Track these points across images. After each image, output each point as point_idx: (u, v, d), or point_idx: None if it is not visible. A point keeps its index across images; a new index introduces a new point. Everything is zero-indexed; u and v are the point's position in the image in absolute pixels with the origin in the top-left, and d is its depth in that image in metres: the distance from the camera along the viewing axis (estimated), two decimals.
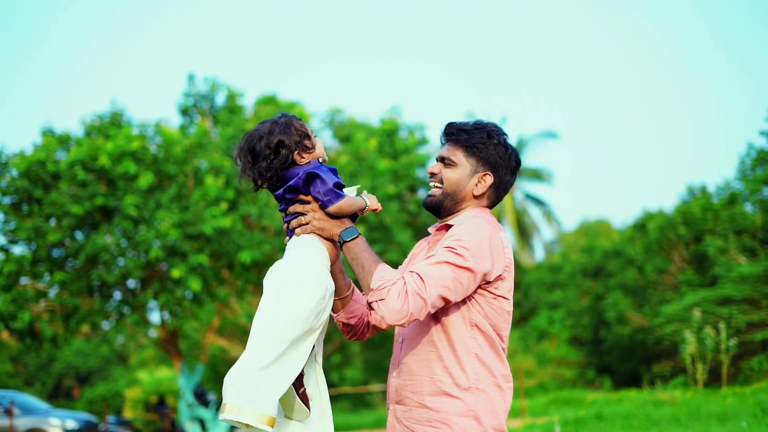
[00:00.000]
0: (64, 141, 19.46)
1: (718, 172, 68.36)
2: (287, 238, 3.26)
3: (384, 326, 3.07)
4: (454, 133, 3.36)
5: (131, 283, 19.57)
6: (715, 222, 26.63)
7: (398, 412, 3.29)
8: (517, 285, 43.21)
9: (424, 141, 22.63)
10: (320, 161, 3.24)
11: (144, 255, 18.18)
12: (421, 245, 3.53)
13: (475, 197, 3.35)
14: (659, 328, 24.67)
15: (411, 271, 3.04)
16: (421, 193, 21.64)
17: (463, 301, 3.19)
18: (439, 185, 3.37)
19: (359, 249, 3.13)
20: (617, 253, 33.31)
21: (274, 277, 3.06)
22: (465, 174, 3.33)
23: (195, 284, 17.80)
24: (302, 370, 3.10)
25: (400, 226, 20.81)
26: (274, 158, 3.16)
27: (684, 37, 74.81)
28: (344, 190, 3.22)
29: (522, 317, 41.20)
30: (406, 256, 16.15)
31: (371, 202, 3.28)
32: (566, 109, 79.00)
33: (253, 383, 2.90)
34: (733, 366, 19.97)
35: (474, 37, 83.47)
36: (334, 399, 40.15)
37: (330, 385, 41.34)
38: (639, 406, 15.61)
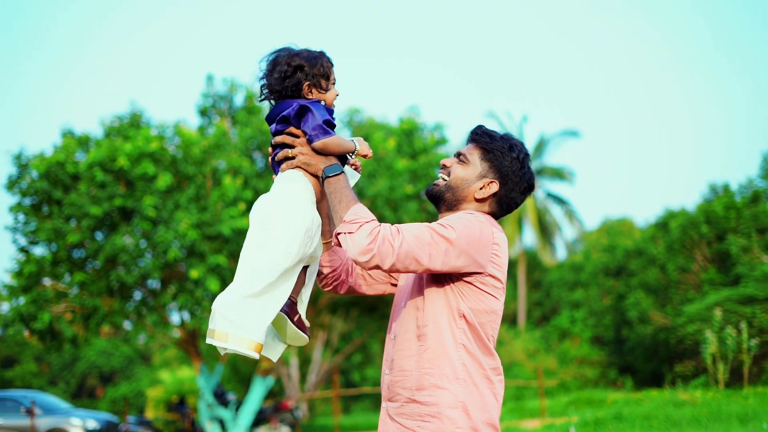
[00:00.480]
0: (83, 142, 19.55)
1: (741, 170, 67.98)
2: (274, 175, 3.28)
3: (353, 255, 3.01)
4: (479, 134, 3.38)
5: (151, 283, 19.62)
6: (738, 220, 26.46)
7: (390, 409, 3.26)
8: (539, 284, 43.13)
9: (443, 141, 22.54)
10: (323, 104, 3.23)
11: (163, 256, 18.21)
12: None
13: (477, 200, 3.33)
14: (681, 328, 24.51)
15: (392, 225, 3.04)
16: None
17: (450, 293, 3.17)
18: (445, 177, 3.38)
19: (340, 185, 3.13)
20: (639, 252, 33.14)
21: (260, 210, 3.11)
22: (474, 174, 3.33)
23: (213, 285, 17.82)
24: (295, 299, 3.19)
25: None
26: (287, 78, 3.19)
27: (707, 34, 74.34)
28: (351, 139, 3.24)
29: (544, 316, 41.10)
30: None
31: (361, 147, 3.28)
32: (587, 107, 78.70)
33: (242, 311, 2.96)
34: (755, 366, 19.80)
35: (494, 36, 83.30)
36: (355, 399, 40.16)
37: (351, 384, 41.38)
38: (659, 407, 15.49)
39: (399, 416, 3.21)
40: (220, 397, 21.54)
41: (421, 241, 3.01)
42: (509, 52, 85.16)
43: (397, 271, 3.03)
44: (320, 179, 3.16)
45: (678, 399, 16.06)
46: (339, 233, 3.03)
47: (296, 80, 3.18)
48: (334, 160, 3.18)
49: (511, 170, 3.32)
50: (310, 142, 3.14)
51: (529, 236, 41.95)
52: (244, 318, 2.96)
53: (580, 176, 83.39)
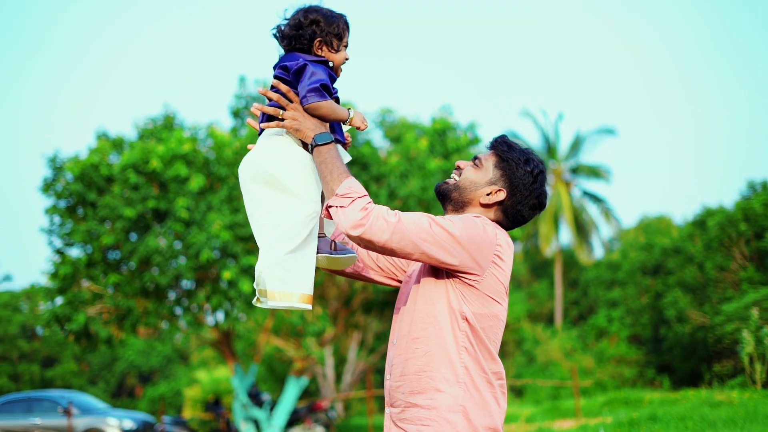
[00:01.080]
0: (117, 145, 19.72)
1: None
2: (256, 123, 3.23)
3: (343, 228, 2.97)
4: (498, 143, 3.37)
5: (185, 284, 19.75)
6: None
7: (393, 415, 3.23)
8: (576, 283, 42.88)
9: (476, 140, 22.46)
10: (330, 65, 3.20)
11: (195, 257, 18.32)
12: None
13: (482, 205, 3.31)
14: (719, 327, 24.26)
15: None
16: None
17: (452, 294, 3.13)
18: (456, 177, 3.36)
19: (331, 155, 3.07)
20: (677, 250, 32.84)
21: (261, 171, 3.09)
22: (484, 179, 3.31)
23: (246, 286, 17.90)
24: (323, 233, 3.20)
25: None
26: (301, 28, 3.17)
27: (745, 29, 73.53)
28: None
29: (580, 315, 40.86)
30: None
31: (356, 117, 3.22)
32: (624, 105, 78.14)
33: (287, 267, 3.04)
34: None
35: (529, 34, 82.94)
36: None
37: (382, 386, 41.21)
38: (695, 407, 15.32)
39: (401, 422, 3.18)
40: (255, 398, 21.62)
41: (418, 227, 2.98)
42: (545, 49, 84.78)
43: (392, 251, 2.98)
44: (309, 147, 3.10)
45: (714, 399, 15.89)
46: (330, 206, 2.99)
47: (309, 33, 3.16)
48: (324, 129, 3.12)
49: (522, 182, 3.29)
50: (303, 102, 3.09)
51: (566, 235, 41.75)
52: (290, 273, 3.03)
53: (617, 174, 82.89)
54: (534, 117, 41.76)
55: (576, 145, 41.53)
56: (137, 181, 18.29)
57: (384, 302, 23.70)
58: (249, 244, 18.63)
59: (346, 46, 3.25)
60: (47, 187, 19.10)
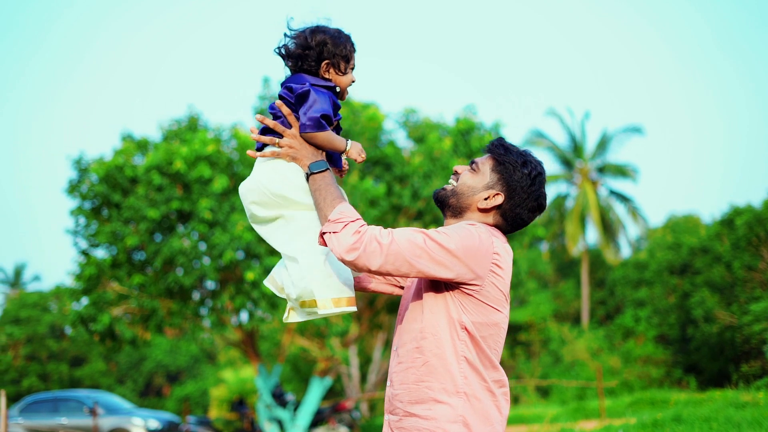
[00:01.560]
0: (142, 146, 19.83)
1: None
2: (256, 151, 3.24)
3: (338, 255, 2.97)
4: (495, 146, 3.32)
5: (209, 285, 19.82)
6: None
7: (392, 422, 3.21)
8: (602, 282, 42.66)
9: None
10: (337, 89, 3.20)
11: (219, 258, 18.39)
12: None
13: (480, 210, 3.26)
14: (747, 327, 24.07)
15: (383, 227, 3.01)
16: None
17: (451, 304, 3.11)
18: (454, 183, 3.33)
19: (326, 182, 3.08)
20: (704, 249, 32.60)
21: (267, 192, 3.12)
22: (481, 184, 3.26)
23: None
24: None
25: None
26: (308, 49, 3.16)
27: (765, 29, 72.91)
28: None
29: (607, 315, 40.64)
30: None
31: (354, 149, 3.22)
32: (651, 103, 77.67)
33: (330, 273, 3.07)
34: None
35: (555, 32, 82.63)
36: None
37: None
38: (720, 408, 15.18)
39: (399, 430, 3.16)
40: (279, 398, 21.66)
41: (412, 244, 2.96)
42: (571, 47, 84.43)
43: (388, 273, 2.97)
44: (306, 176, 3.12)
45: (740, 400, 15.75)
46: (324, 233, 2.98)
47: (316, 54, 3.16)
48: (321, 156, 3.14)
49: (519, 185, 3.24)
50: (301, 129, 3.10)
51: (592, 234, 41.53)
52: (334, 278, 3.07)
53: (645, 173, 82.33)
54: (560, 116, 41.59)
55: (603, 144, 41.30)
56: (161, 182, 18.38)
57: None
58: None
59: (353, 68, 3.25)
60: (72, 188, 19.24)
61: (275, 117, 3.18)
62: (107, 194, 18.86)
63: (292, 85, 3.13)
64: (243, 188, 3.17)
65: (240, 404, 24.94)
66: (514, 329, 39.23)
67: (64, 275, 67.45)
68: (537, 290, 41.41)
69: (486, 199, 3.24)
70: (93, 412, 21.60)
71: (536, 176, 3.27)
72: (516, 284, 34.71)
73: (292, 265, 3.08)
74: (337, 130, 3.26)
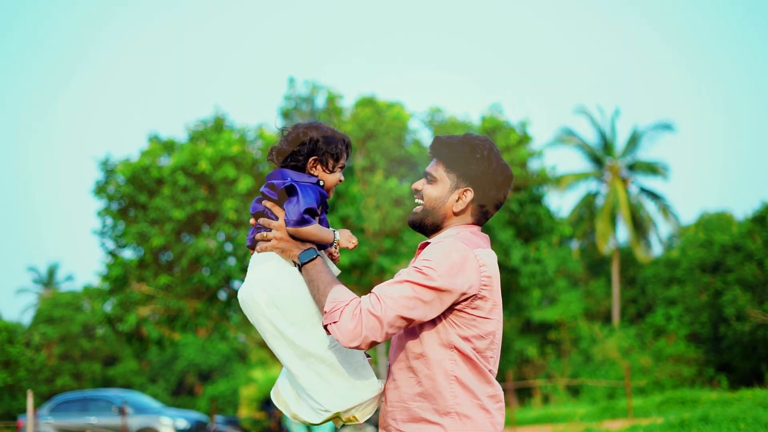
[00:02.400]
0: (168, 147, 19.93)
1: None
2: (251, 251, 3.26)
3: (346, 344, 2.98)
4: (436, 148, 3.27)
5: (235, 285, 19.90)
6: None
7: None
8: (633, 281, 42.39)
9: (527, 138, 22.31)
10: (320, 184, 3.20)
11: (244, 258, 18.47)
12: (419, 252, 3.40)
13: (456, 214, 3.23)
14: None
15: (371, 292, 2.99)
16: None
17: (440, 323, 3.08)
18: (420, 202, 3.28)
19: (316, 270, 3.08)
20: (736, 247, 32.32)
21: (261, 301, 3.11)
22: (445, 190, 3.22)
23: None
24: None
25: (502, 225, 20.62)
26: (298, 146, 3.17)
27: None
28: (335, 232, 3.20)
29: (638, 314, 40.39)
30: (507, 256, 15.85)
31: (342, 238, 3.23)
32: (682, 100, 77.05)
33: (347, 380, 3.09)
34: None
35: (582, 29, 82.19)
36: None
37: None
38: (749, 408, 15.01)
39: None
40: None
41: (404, 300, 2.95)
42: (599, 43, 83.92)
43: (393, 334, 3.00)
44: (297, 266, 3.13)
45: None
46: (325, 326, 2.99)
47: (306, 151, 3.17)
48: (309, 245, 3.14)
49: (480, 172, 3.19)
50: (287, 225, 3.11)
51: (623, 232, 41.28)
52: (356, 382, 3.10)
53: (676, 170, 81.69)
54: (590, 113, 41.35)
55: (633, 142, 41.03)
56: (186, 182, 18.47)
57: None
58: None
59: (342, 168, 3.25)
60: (99, 189, 19.38)
61: (261, 213, 3.22)
62: (133, 195, 18.98)
63: (273, 182, 3.15)
64: (244, 292, 3.17)
65: (268, 403, 24.99)
66: (544, 328, 39.11)
67: (93, 276, 68.10)
68: (567, 289, 41.21)
69: (458, 200, 3.21)
70: (122, 412, 21.75)
71: (489, 154, 3.22)
72: (546, 283, 34.57)
73: (310, 382, 3.11)
74: (325, 222, 3.26)
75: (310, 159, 3.16)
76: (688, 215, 77.37)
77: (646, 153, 41.27)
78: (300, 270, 3.12)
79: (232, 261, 18.78)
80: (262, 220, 3.17)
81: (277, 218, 3.14)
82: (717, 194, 76.47)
